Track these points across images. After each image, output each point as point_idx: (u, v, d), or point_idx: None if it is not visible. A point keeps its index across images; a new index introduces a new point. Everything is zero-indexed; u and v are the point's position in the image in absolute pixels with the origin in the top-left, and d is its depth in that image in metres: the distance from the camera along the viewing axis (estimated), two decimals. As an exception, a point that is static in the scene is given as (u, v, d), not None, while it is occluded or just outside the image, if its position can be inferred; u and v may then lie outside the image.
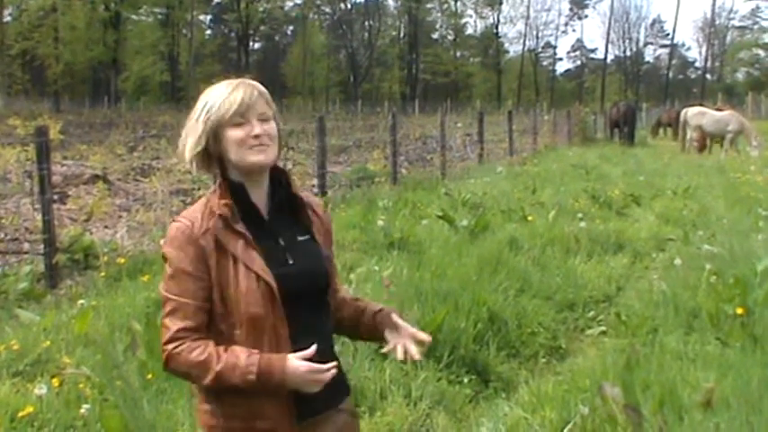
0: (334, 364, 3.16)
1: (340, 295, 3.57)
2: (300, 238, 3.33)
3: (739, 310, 8.09)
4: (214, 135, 3.22)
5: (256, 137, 3.18)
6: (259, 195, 3.30)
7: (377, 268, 9.92)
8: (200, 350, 3.09)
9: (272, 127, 3.25)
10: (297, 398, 3.18)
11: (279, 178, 3.35)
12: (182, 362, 3.11)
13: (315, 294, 3.29)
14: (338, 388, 3.35)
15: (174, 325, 3.13)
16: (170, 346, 3.12)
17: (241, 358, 3.07)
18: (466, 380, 7.48)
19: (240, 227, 3.19)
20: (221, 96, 3.21)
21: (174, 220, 3.28)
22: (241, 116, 3.18)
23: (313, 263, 3.31)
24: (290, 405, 3.18)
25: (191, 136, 3.28)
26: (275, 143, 3.26)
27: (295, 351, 3.11)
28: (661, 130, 52.58)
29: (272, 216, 3.31)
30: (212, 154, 3.26)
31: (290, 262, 3.24)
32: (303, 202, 3.39)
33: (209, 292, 3.15)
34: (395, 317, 3.53)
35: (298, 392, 3.17)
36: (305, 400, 3.19)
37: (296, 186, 3.40)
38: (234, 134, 3.19)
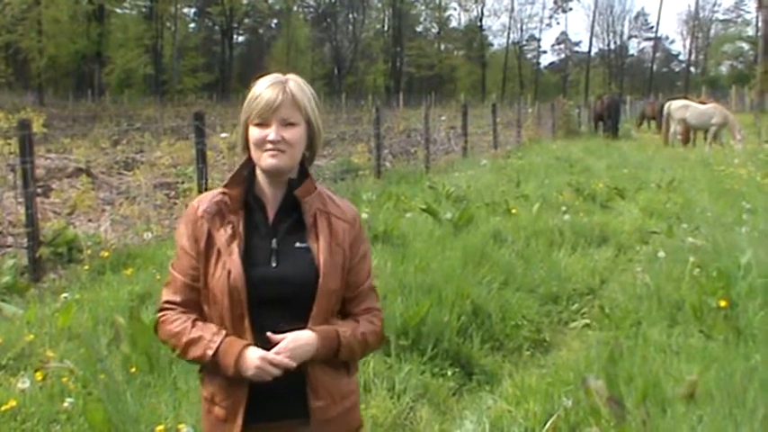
0: (289, 363, 3.16)
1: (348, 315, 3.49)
2: (299, 245, 3.31)
3: (722, 303, 8.11)
4: (245, 127, 3.31)
5: (270, 141, 3.22)
6: (274, 195, 3.34)
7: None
8: (178, 322, 3.28)
9: (293, 133, 3.26)
10: (255, 398, 3.26)
11: (294, 183, 3.35)
12: (164, 331, 3.34)
13: (292, 303, 3.26)
14: (298, 400, 3.32)
15: (165, 296, 3.37)
16: (159, 315, 3.37)
17: (207, 334, 3.22)
18: (449, 373, 7.48)
19: (233, 218, 3.26)
20: (254, 93, 3.27)
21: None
22: (261, 118, 3.23)
23: (299, 271, 3.27)
24: (242, 399, 3.25)
25: (240, 123, 3.37)
26: (293, 149, 3.27)
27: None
28: (645, 123, 52.71)
29: (278, 217, 3.33)
30: (247, 144, 3.32)
31: (273, 265, 3.25)
32: (305, 208, 3.34)
33: (199, 272, 3.28)
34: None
35: (258, 390, 3.23)
36: (264, 400, 3.26)
37: (306, 191, 3.36)
38: (254, 133, 3.27)
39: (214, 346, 3.17)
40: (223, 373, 3.19)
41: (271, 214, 3.32)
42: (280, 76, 3.31)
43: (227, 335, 3.20)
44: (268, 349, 3.15)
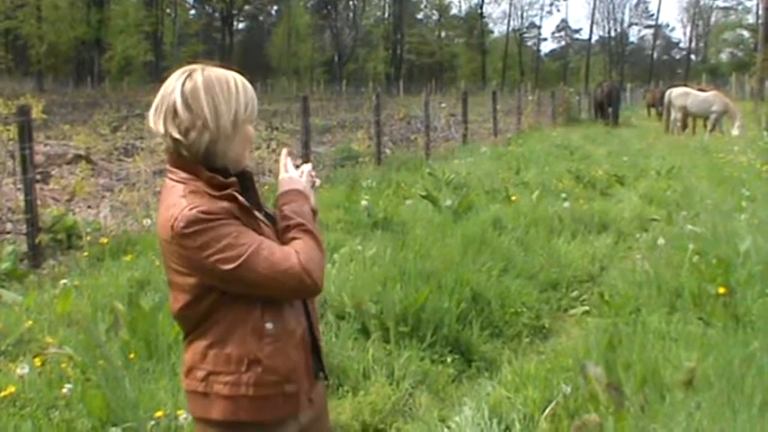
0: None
1: None
2: (267, 216, 3.37)
3: (722, 290, 8.12)
4: (234, 126, 3.17)
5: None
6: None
7: (360, 248, 9.92)
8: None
9: None
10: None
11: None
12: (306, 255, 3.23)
13: None
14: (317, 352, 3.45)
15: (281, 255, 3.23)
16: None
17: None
18: (449, 359, 7.48)
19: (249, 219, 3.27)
20: (246, 89, 3.22)
21: (201, 214, 3.09)
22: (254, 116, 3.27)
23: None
24: (310, 364, 3.33)
25: (234, 132, 3.19)
26: None
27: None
28: (645, 111, 52.68)
29: (250, 200, 3.34)
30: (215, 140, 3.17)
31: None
32: (252, 180, 3.43)
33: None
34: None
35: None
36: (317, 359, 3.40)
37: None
38: (250, 131, 3.26)
39: (307, 209, 3.37)
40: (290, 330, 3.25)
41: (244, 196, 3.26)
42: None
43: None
44: None
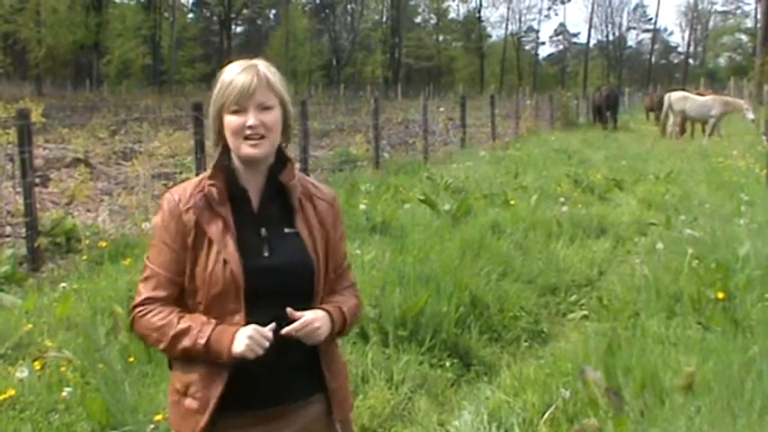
0: (272, 326, 3.11)
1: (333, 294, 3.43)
2: (287, 231, 3.28)
3: (721, 295, 8.12)
4: (219, 118, 3.23)
5: (250, 127, 3.16)
6: (255, 183, 3.28)
7: (359, 252, 9.91)
8: (161, 315, 3.19)
9: (271, 117, 3.20)
10: (266, 381, 3.23)
11: (275, 168, 3.31)
12: (143, 325, 3.23)
13: (286, 292, 3.22)
14: (310, 380, 3.32)
15: (144, 291, 3.26)
16: (136, 310, 3.27)
17: (195, 324, 3.14)
18: (448, 363, 7.49)
19: (223, 210, 3.19)
20: (225, 81, 3.20)
21: (166, 192, 3.33)
22: (237, 104, 3.17)
23: (292, 259, 3.25)
24: (219, 391, 3.19)
25: (212, 123, 3.30)
26: (273, 134, 3.22)
27: None
28: (644, 115, 52.63)
29: (263, 205, 3.29)
30: (221, 135, 3.26)
31: (266, 254, 3.22)
32: (291, 193, 3.31)
33: (183, 266, 3.20)
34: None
35: (267, 375, 3.21)
36: (274, 383, 3.24)
37: (291, 175, 3.33)
38: (230, 121, 3.19)
39: (205, 335, 3.10)
40: (213, 360, 3.13)
41: (255, 203, 3.27)
42: (248, 61, 3.27)
43: (217, 323, 3.14)
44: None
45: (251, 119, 3.15)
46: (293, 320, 3.14)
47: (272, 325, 3.10)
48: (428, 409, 6.64)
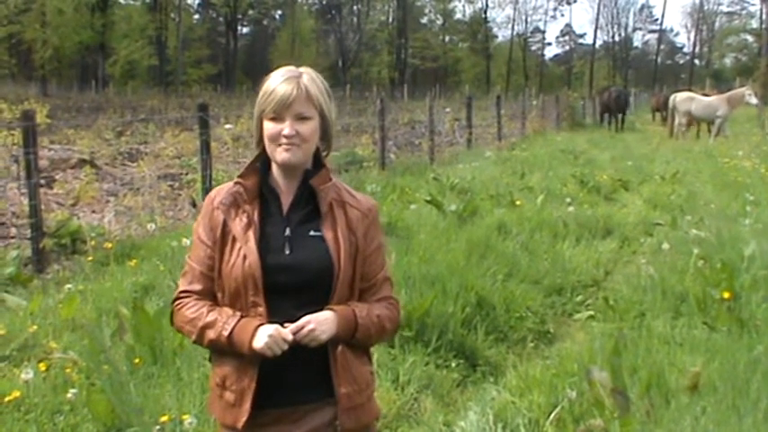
0: (298, 325, 3.17)
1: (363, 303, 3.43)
2: (313, 233, 3.32)
3: (726, 295, 8.11)
4: (260, 122, 3.33)
5: (285, 136, 3.25)
6: (288, 185, 3.35)
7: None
8: (194, 308, 3.31)
9: (307, 128, 3.27)
10: (266, 382, 3.26)
11: (313, 172, 3.37)
12: (179, 317, 3.39)
13: (305, 290, 3.27)
14: (322, 384, 3.32)
15: (182, 285, 3.42)
16: (175, 303, 3.40)
17: (222, 316, 3.25)
18: (454, 364, 7.49)
19: (249, 207, 3.30)
20: (268, 88, 3.29)
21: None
22: (275, 112, 3.25)
23: (311, 259, 3.28)
24: (251, 385, 3.25)
25: (255, 125, 3.40)
26: (308, 144, 3.29)
27: None
28: (650, 115, 52.51)
29: (292, 207, 3.34)
30: (261, 138, 3.35)
31: (287, 252, 3.26)
32: (321, 197, 3.34)
33: (214, 261, 3.32)
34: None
35: (279, 375, 3.24)
36: (286, 385, 3.28)
37: (321, 180, 3.37)
38: (268, 128, 3.29)
39: (229, 327, 3.19)
40: (237, 353, 3.21)
41: (285, 204, 3.34)
42: (293, 70, 3.32)
43: (242, 317, 3.22)
44: None
45: (287, 128, 3.24)
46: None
47: (292, 326, 3.16)
48: (434, 410, 6.64)
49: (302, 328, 3.16)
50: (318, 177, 3.35)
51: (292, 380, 3.28)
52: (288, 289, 3.23)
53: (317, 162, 3.39)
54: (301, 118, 3.25)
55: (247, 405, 3.25)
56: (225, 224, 3.29)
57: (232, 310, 3.26)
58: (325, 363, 3.29)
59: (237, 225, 3.27)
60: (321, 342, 3.20)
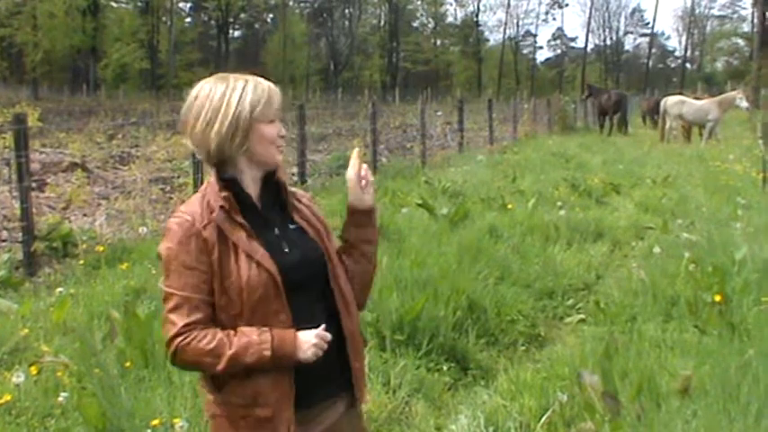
0: (323, 327, 3.19)
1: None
2: (291, 227, 3.33)
3: (717, 299, 8.13)
4: (246, 130, 3.20)
5: (281, 136, 3.30)
6: (253, 186, 3.30)
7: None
8: (209, 338, 3.10)
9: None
10: (298, 384, 3.22)
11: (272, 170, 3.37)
12: (192, 353, 3.11)
13: (313, 282, 3.30)
14: (342, 372, 3.37)
15: (180, 320, 3.12)
16: (178, 340, 3.11)
17: (253, 337, 3.09)
18: (445, 367, 7.49)
19: (240, 218, 3.20)
20: (264, 91, 3.24)
21: (172, 216, 3.26)
22: (274, 114, 3.26)
23: (308, 251, 3.31)
24: (291, 391, 3.19)
25: (225, 129, 3.19)
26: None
27: None
28: (640, 119, 52.48)
29: (265, 206, 3.32)
30: (233, 148, 3.22)
31: (286, 250, 3.25)
32: (286, 189, 3.38)
33: (211, 284, 3.15)
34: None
35: (297, 378, 3.20)
36: (307, 385, 3.24)
37: (282, 173, 3.40)
38: (268, 131, 3.24)
39: (268, 344, 3.08)
40: (277, 366, 3.12)
41: (259, 205, 3.31)
42: (257, 77, 3.32)
43: (271, 330, 3.12)
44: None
45: (282, 129, 3.31)
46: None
47: (323, 326, 3.19)
48: (425, 413, 6.63)
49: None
50: (280, 171, 3.38)
51: (314, 377, 3.26)
52: (296, 286, 3.21)
53: None
54: (281, 119, 3.33)
55: (288, 413, 3.18)
56: (221, 241, 3.16)
57: (254, 327, 3.13)
58: (338, 353, 3.32)
59: (239, 238, 3.17)
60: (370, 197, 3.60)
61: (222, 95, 3.20)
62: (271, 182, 3.34)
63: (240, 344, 3.08)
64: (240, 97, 3.20)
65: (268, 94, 3.24)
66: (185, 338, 3.10)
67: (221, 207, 3.18)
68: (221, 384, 3.21)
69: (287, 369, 3.16)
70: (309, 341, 3.13)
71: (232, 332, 3.12)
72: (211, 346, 3.08)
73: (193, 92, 3.26)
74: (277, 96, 3.26)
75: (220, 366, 3.09)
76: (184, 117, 3.26)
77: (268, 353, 3.07)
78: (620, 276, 10.92)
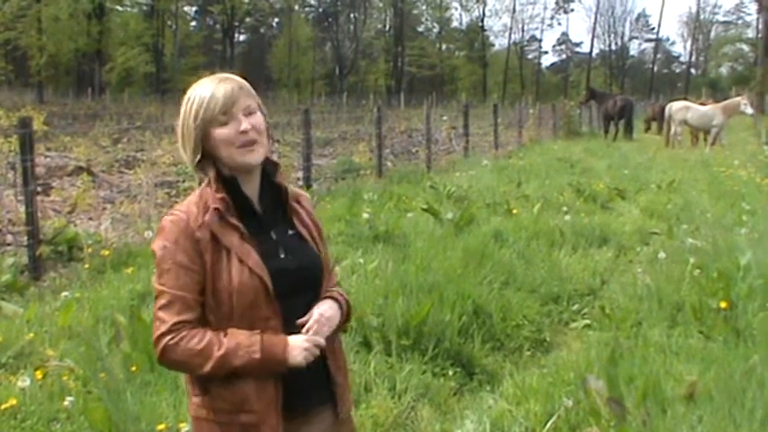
0: (315, 319, 3.20)
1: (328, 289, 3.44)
2: (290, 233, 3.31)
3: (723, 304, 8.12)
4: (204, 135, 3.18)
5: (244, 132, 3.15)
6: (251, 189, 3.27)
7: (362, 261, 9.93)
8: (198, 338, 3.08)
9: (259, 120, 3.22)
10: (284, 392, 3.18)
11: (270, 171, 3.33)
12: (180, 352, 3.09)
13: (307, 289, 3.28)
14: (327, 384, 3.35)
15: (169, 318, 3.10)
16: (167, 338, 3.09)
17: (242, 339, 3.08)
18: (450, 372, 7.48)
19: (235, 220, 3.17)
20: (204, 96, 3.17)
21: (167, 214, 3.24)
22: (224, 114, 3.15)
23: (304, 257, 3.29)
24: (278, 398, 3.16)
25: (187, 143, 3.23)
26: (263, 137, 3.23)
27: None
28: (645, 125, 52.43)
29: (264, 209, 3.29)
30: (206, 153, 3.21)
31: (282, 256, 3.23)
32: (288, 194, 3.34)
33: (203, 285, 3.13)
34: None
35: (285, 386, 3.17)
36: (292, 393, 3.21)
37: (282, 178, 3.36)
38: (221, 133, 3.16)
39: (257, 348, 3.06)
40: (266, 370, 3.10)
41: (257, 208, 3.28)
42: (214, 76, 3.26)
43: (261, 334, 3.10)
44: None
45: (243, 123, 3.16)
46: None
47: (311, 322, 3.19)
48: (431, 418, 6.63)
49: (319, 319, 3.20)
50: (279, 175, 3.35)
51: (302, 386, 3.25)
52: (289, 292, 3.19)
53: (269, 160, 3.34)
54: (250, 112, 3.20)
55: (274, 420, 3.15)
56: (214, 242, 3.14)
57: (244, 329, 3.11)
58: (325, 363, 3.31)
59: (232, 240, 3.15)
60: (333, 327, 3.27)
61: (183, 106, 3.23)
62: (271, 184, 3.32)
63: (229, 345, 3.07)
64: (187, 106, 3.21)
65: (212, 96, 3.16)
66: (174, 337, 3.09)
67: (215, 209, 3.15)
68: (207, 388, 3.18)
69: (274, 376, 3.14)
70: (301, 345, 3.12)
71: (222, 333, 3.10)
72: (201, 346, 3.07)
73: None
74: (227, 95, 3.16)
75: (208, 367, 3.07)
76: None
77: (257, 355, 3.06)
78: (625, 282, 10.91)
